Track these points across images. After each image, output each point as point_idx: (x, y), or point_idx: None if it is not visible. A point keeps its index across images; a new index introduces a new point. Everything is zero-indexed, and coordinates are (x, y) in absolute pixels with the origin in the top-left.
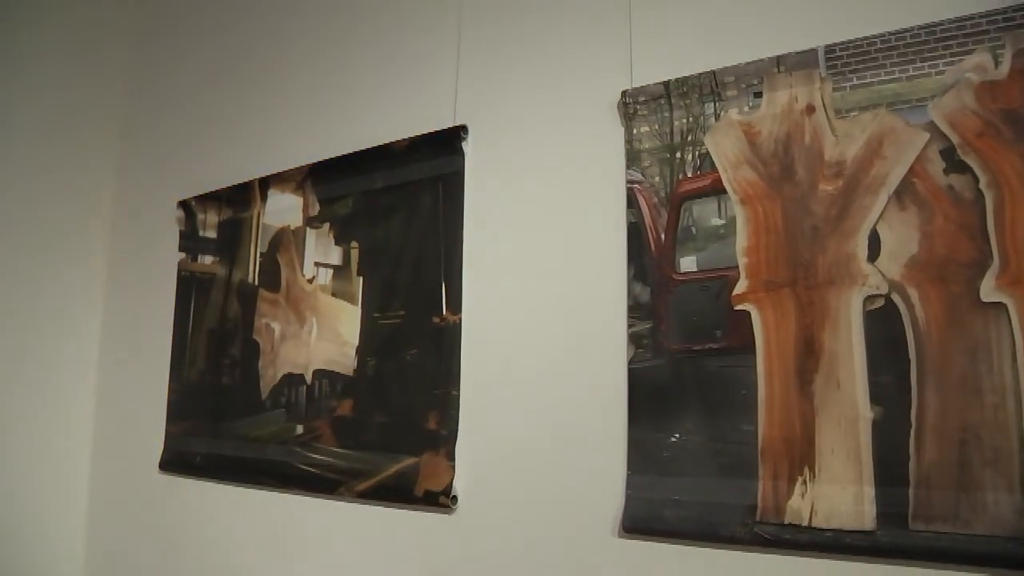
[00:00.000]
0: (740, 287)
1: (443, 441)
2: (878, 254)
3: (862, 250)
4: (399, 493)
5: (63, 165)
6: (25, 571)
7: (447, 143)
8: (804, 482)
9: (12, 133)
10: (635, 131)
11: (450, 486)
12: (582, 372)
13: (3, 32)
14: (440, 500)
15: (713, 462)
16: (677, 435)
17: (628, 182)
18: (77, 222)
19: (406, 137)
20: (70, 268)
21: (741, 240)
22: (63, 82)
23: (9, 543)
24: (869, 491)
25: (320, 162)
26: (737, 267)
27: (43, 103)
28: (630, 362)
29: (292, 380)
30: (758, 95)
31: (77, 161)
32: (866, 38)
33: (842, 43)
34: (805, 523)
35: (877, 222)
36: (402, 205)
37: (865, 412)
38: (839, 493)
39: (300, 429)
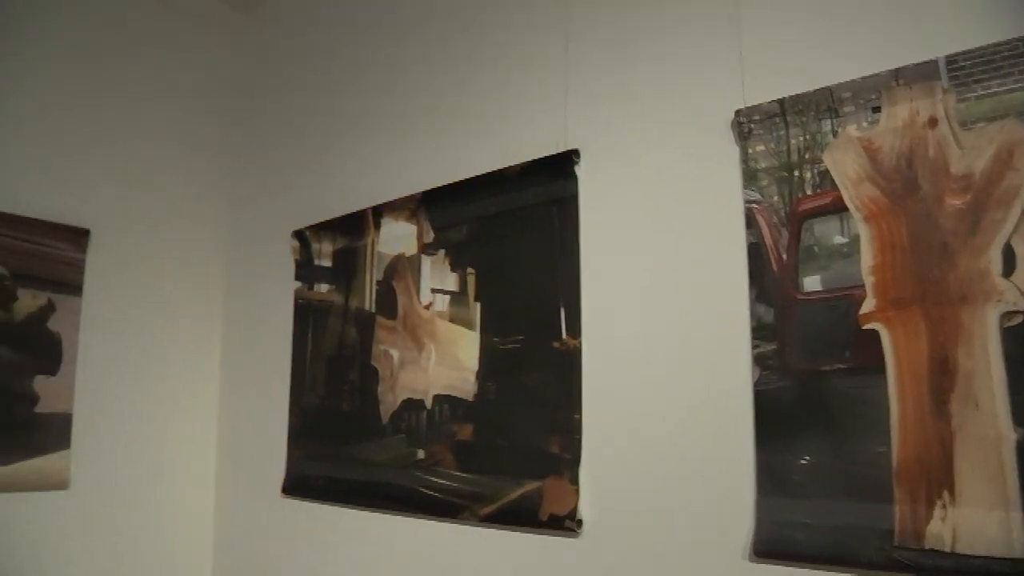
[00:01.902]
0: (867, 306)
1: (566, 465)
2: (1013, 269)
3: (996, 265)
4: (523, 517)
5: (179, 199)
6: None
7: (559, 168)
8: (943, 506)
9: (131, 169)
10: (750, 150)
11: (575, 510)
12: (706, 394)
13: (116, 71)
14: (565, 524)
15: (845, 484)
16: (807, 457)
17: (746, 202)
18: (195, 255)
19: (518, 163)
20: (189, 300)
21: (866, 258)
22: (175, 115)
23: (140, 568)
24: (1017, 517)
25: (433, 189)
26: (863, 285)
27: (156, 137)
28: (755, 384)
29: (412, 405)
30: (876, 110)
31: (192, 195)
32: (990, 46)
33: (964, 53)
34: (947, 549)
35: (1011, 236)
36: (517, 231)
37: (1008, 433)
38: (983, 518)
39: (421, 454)
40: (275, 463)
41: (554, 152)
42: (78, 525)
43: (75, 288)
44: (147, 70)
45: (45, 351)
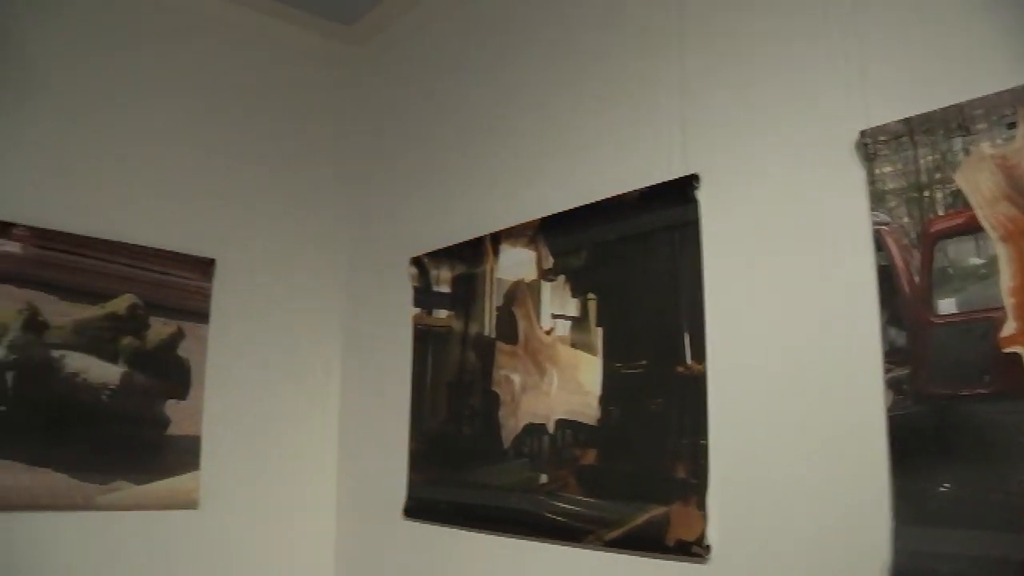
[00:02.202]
0: (1008, 329)
1: (693, 490)
2: None
3: None
4: (649, 542)
5: (299, 228)
6: None
7: (679, 193)
8: None
9: (253, 200)
10: (877, 171)
11: (703, 536)
12: (837, 420)
13: (237, 108)
14: (693, 550)
15: (991, 514)
16: (947, 485)
17: (875, 224)
18: (315, 282)
19: (636, 188)
20: (310, 326)
21: (1005, 279)
22: (295, 148)
23: None
24: None
25: (551, 216)
26: (1003, 308)
27: (276, 168)
28: (889, 409)
29: (534, 430)
30: (1012, 126)
31: (312, 224)
32: None
33: None
34: None
35: None
36: (637, 256)
37: None
38: None
39: (544, 478)
40: (396, 486)
41: (673, 177)
42: (206, 543)
43: (202, 315)
44: (267, 107)
45: (175, 376)
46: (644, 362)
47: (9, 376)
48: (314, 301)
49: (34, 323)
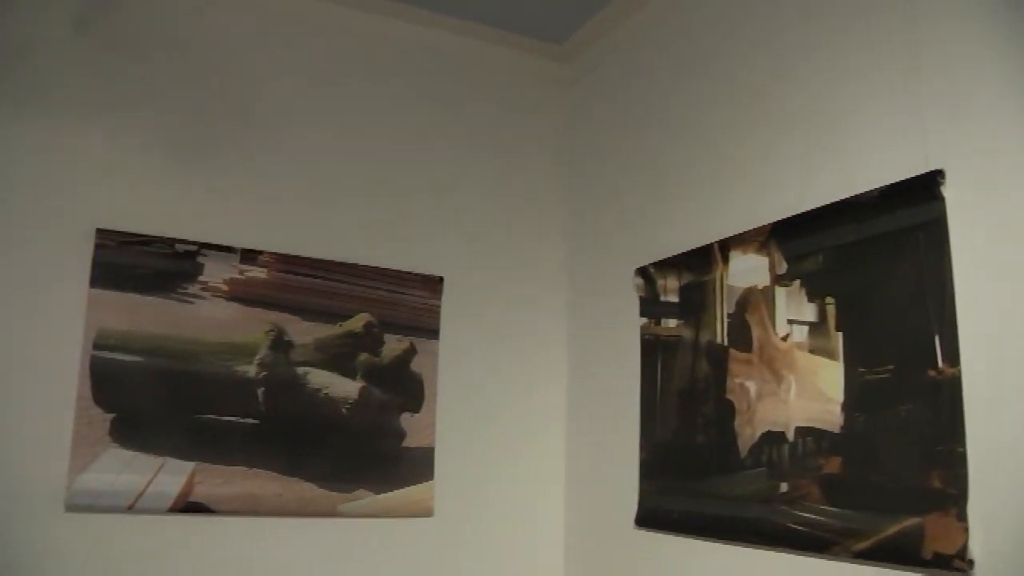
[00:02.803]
0: None
1: (951, 501)
2: None
3: None
4: (903, 555)
5: (522, 243)
6: None
7: (922, 190)
8: None
9: (477, 217)
10: None
11: (964, 548)
12: None
13: (455, 132)
14: (954, 564)
15: None
16: None
17: None
18: (539, 295)
19: (874, 188)
20: (535, 338)
21: None
22: (513, 164)
23: None
24: None
25: (783, 220)
26: None
27: (497, 185)
28: None
29: (772, 438)
30: None
31: (534, 238)
32: None
33: None
34: None
35: None
36: (878, 257)
37: None
38: None
39: (784, 487)
40: (625, 495)
41: (915, 174)
42: (440, 551)
43: (433, 332)
44: (486, 128)
45: (409, 390)
46: (890, 367)
47: (260, 392)
48: (539, 314)
49: (280, 342)
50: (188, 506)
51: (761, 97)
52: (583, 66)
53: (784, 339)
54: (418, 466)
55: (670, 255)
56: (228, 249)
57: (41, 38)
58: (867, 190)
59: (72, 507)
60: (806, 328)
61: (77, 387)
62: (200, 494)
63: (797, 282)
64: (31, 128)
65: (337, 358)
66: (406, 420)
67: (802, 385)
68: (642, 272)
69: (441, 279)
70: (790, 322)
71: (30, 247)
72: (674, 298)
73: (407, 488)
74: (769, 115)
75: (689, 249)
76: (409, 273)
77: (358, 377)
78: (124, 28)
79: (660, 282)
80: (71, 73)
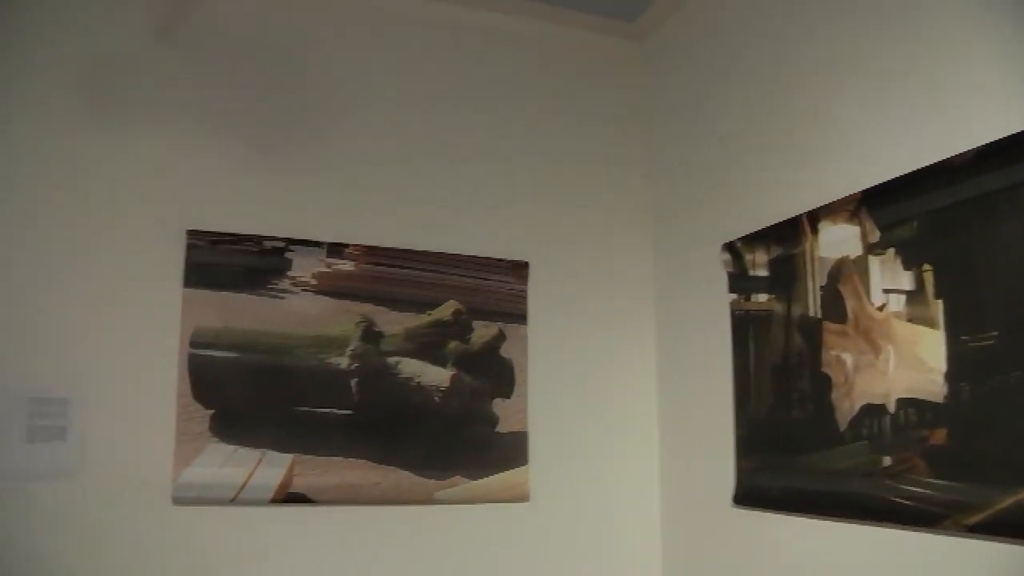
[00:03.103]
0: None
1: None
2: None
3: None
4: (1021, 528)
5: (605, 224)
6: None
7: (1021, 147)
8: None
9: (559, 201)
10: None
11: None
12: None
13: (535, 115)
14: None
15: None
16: None
17: None
18: (624, 275)
19: (970, 148)
20: (622, 319)
21: None
22: (595, 145)
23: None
24: None
25: (873, 188)
26: None
27: (579, 167)
28: None
29: (872, 411)
30: None
31: (617, 218)
32: None
33: None
34: None
35: None
36: (977, 220)
37: None
38: None
39: (887, 460)
40: (721, 473)
41: (1012, 132)
42: (537, 535)
43: (520, 317)
44: (564, 111)
45: (500, 376)
46: (995, 333)
47: (353, 383)
48: (625, 295)
49: (371, 333)
50: (288, 497)
51: (846, 61)
52: (656, 42)
53: (880, 309)
54: (512, 451)
55: (757, 229)
56: (315, 243)
57: (123, 48)
58: (962, 151)
59: (179, 500)
60: (903, 297)
61: (177, 385)
62: (300, 485)
63: (891, 250)
64: (119, 137)
65: (427, 347)
66: (498, 405)
67: (901, 355)
68: (729, 247)
69: (526, 264)
70: (886, 291)
71: (126, 252)
72: (763, 272)
73: (502, 473)
74: (855, 79)
75: (776, 222)
76: (494, 259)
77: (449, 365)
78: (203, 32)
79: (748, 257)
80: (154, 80)
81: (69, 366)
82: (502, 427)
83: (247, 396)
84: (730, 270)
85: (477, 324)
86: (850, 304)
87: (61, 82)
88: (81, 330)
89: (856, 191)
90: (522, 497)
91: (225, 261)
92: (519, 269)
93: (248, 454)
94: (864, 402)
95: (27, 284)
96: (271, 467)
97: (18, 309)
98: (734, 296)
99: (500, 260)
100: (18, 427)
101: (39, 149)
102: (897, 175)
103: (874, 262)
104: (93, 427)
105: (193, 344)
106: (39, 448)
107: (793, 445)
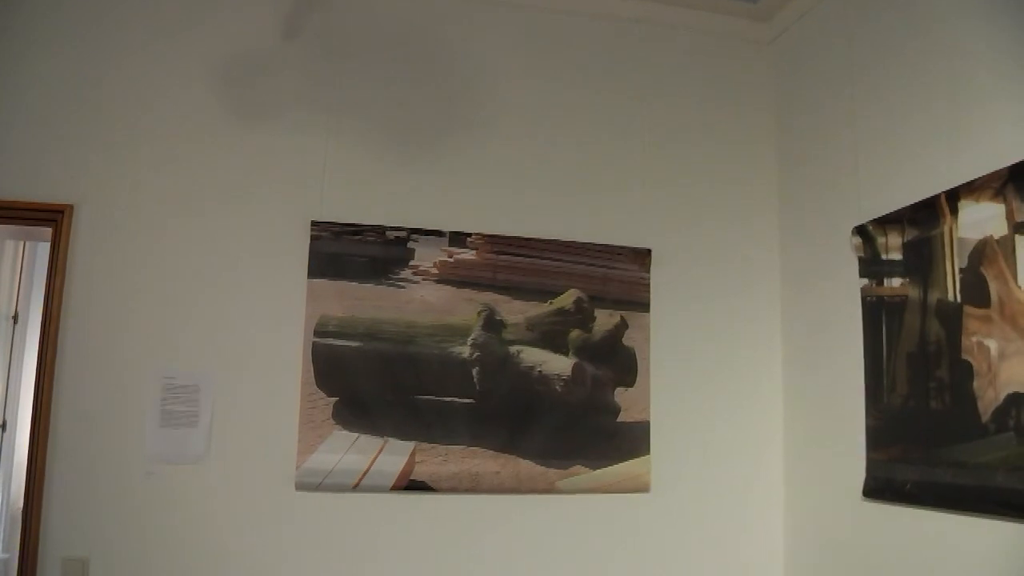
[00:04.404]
0: None
1: None
2: None
3: None
4: None
5: (729, 211)
6: None
7: None
8: None
9: (684, 188)
10: None
11: None
12: None
13: (657, 103)
14: None
15: None
16: None
17: None
18: (749, 263)
19: None
20: (747, 307)
21: None
22: (720, 132)
23: (713, 568)
24: None
25: (1022, 162)
26: None
27: (703, 154)
28: None
29: (1019, 400)
30: None
31: (742, 205)
32: None
33: None
34: None
35: None
36: None
37: None
38: None
39: None
40: (850, 465)
41: None
42: (658, 525)
43: (643, 305)
44: (687, 96)
45: (622, 365)
46: None
47: (475, 372)
48: (749, 281)
49: (492, 322)
50: (410, 484)
51: (983, 33)
52: (780, 23)
53: None
54: (634, 441)
55: (890, 211)
56: (437, 233)
57: (254, 47)
58: None
59: (302, 486)
60: None
61: (301, 373)
62: (421, 473)
63: None
64: (249, 132)
65: (549, 335)
66: (620, 395)
67: None
68: (860, 231)
69: (649, 251)
70: None
71: (253, 242)
72: (897, 256)
73: (624, 463)
74: (996, 51)
75: (912, 203)
76: (617, 247)
77: (570, 353)
78: (327, 30)
79: (881, 240)
80: (283, 77)
81: (199, 354)
82: (624, 417)
83: (369, 384)
84: (861, 255)
85: (599, 312)
86: (994, 287)
87: (197, 79)
88: (210, 320)
89: (1002, 167)
90: (643, 487)
91: (348, 251)
92: (642, 257)
93: (370, 441)
94: (1010, 391)
95: (162, 276)
96: (393, 455)
97: (154, 299)
98: (865, 281)
99: (622, 248)
100: (153, 412)
101: (173, 145)
102: None
103: (1021, 242)
104: (221, 413)
105: (317, 333)
106: (171, 433)
107: (930, 437)
